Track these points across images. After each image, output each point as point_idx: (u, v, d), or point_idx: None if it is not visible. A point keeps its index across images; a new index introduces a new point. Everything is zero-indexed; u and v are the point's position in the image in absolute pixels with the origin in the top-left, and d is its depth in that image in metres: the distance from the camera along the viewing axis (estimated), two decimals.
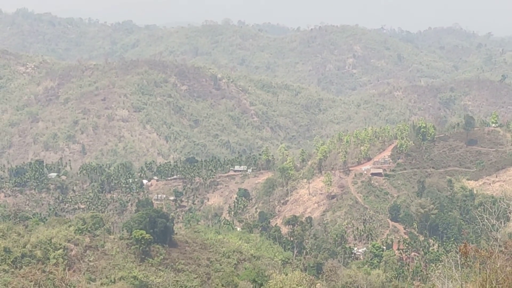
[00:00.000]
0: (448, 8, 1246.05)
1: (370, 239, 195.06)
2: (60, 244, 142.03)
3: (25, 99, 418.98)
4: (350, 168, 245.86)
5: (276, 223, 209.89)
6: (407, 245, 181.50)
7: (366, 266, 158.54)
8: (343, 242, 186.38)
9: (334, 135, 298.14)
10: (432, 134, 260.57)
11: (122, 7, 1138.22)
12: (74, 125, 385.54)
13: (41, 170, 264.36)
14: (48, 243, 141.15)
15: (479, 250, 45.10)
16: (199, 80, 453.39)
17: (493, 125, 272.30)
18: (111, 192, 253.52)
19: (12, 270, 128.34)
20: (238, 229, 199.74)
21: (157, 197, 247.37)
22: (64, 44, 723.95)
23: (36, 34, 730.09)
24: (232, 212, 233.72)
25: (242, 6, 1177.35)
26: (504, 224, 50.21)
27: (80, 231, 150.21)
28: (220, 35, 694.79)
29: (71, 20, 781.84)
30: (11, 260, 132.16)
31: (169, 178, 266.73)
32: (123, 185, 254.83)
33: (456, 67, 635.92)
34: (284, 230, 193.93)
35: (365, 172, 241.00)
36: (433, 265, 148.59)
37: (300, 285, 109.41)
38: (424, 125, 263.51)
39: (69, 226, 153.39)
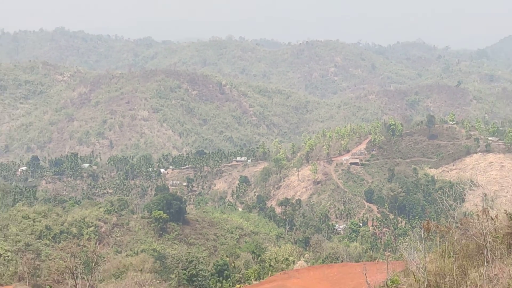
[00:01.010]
0: (413, 25, 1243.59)
1: (349, 217, 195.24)
2: (92, 223, 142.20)
3: (62, 102, 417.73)
4: (332, 159, 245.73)
5: (271, 204, 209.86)
6: (379, 222, 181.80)
7: (346, 239, 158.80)
8: (326, 220, 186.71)
9: (319, 131, 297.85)
10: (400, 130, 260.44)
11: (143, 25, 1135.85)
12: (103, 124, 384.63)
13: (76, 161, 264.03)
14: (82, 222, 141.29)
15: (439, 226, 45.09)
16: (207, 86, 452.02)
17: (451, 122, 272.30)
18: (134, 179, 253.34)
19: (52, 244, 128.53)
20: (240, 209, 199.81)
21: (172, 183, 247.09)
22: (94, 56, 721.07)
23: (71, 48, 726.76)
24: (235, 196, 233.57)
25: (242, 23, 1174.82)
26: (460, 204, 50.21)
27: (108, 212, 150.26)
28: (224, 49, 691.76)
29: (101, 37, 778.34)
30: (51, 236, 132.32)
31: (182, 168, 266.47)
32: (144, 173, 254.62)
33: (420, 74, 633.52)
34: (278, 210, 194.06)
35: (344, 161, 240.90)
36: (401, 238, 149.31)
37: (291, 256, 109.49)
38: (394, 123, 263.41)
39: (99, 207, 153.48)
